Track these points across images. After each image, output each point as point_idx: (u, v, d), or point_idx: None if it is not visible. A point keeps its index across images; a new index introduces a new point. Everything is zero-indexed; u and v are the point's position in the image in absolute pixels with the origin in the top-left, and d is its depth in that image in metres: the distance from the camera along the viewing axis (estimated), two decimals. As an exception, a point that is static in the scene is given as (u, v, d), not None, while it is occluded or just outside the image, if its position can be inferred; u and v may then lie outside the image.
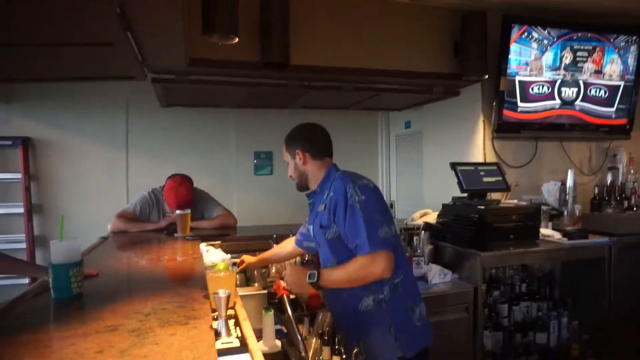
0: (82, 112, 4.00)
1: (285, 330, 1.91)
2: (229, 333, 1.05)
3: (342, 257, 1.65)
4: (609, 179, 3.19)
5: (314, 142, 1.81)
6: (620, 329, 2.62)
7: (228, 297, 1.05)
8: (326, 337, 1.57)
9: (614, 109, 3.23)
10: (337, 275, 1.62)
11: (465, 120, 3.25)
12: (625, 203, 2.96)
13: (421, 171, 3.99)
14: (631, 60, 3.19)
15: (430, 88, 3.25)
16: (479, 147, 3.09)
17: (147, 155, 4.10)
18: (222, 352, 0.97)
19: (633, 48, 3.17)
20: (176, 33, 2.05)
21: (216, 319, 1.10)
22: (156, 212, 2.88)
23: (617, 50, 3.15)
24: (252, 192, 4.40)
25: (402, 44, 2.89)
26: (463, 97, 3.30)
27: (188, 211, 2.60)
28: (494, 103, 2.98)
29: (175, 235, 2.56)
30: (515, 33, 2.88)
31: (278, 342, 1.79)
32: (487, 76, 2.91)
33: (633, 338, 2.68)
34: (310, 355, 1.68)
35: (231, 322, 1.15)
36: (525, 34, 2.90)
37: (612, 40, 3.11)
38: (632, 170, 3.20)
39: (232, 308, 1.27)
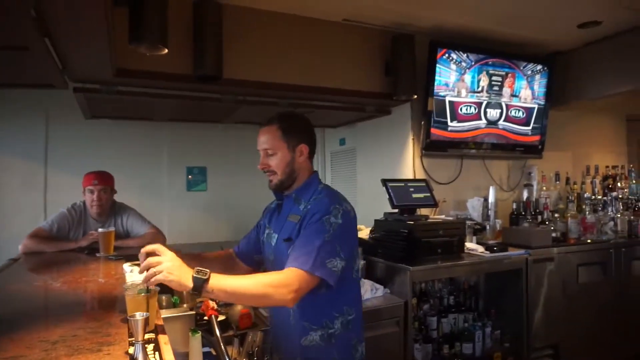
0: (-6, 122, 3.67)
1: (214, 353, 1.84)
2: (146, 359, 0.98)
3: None
4: (525, 195, 3.44)
5: (314, 139, 1.61)
6: (536, 335, 2.80)
7: (145, 320, 0.98)
8: (255, 358, 1.52)
9: (530, 128, 3.52)
10: (235, 284, 1.26)
11: (396, 138, 3.37)
12: (539, 217, 3.20)
13: (355, 187, 4.07)
14: (537, 87, 3.50)
15: (363, 106, 3.35)
16: (409, 164, 3.21)
17: (69, 170, 3.82)
18: (137, 380, 0.90)
19: (538, 77, 3.48)
20: (100, 41, 1.94)
21: (133, 344, 1.03)
22: (77, 231, 2.69)
23: (525, 77, 3.44)
24: (185, 209, 4.24)
25: (336, 63, 2.96)
26: (394, 115, 3.43)
27: (112, 229, 2.46)
28: (422, 122, 3.12)
29: (97, 255, 2.40)
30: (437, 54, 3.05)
31: (205, 365, 1.71)
32: (415, 96, 3.06)
33: (548, 344, 2.88)
34: (239, 377, 1.63)
35: (150, 346, 1.08)
36: (446, 55, 3.08)
37: (521, 67, 3.40)
38: (544, 187, 3.48)
39: (153, 332, 1.20)
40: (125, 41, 2.15)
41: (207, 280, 1.18)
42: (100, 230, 2.43)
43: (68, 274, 2.03)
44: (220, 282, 1.21)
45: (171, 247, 1.32)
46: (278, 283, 1.30)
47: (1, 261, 2.32)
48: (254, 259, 1.80)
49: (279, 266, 1.49)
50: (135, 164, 4.06)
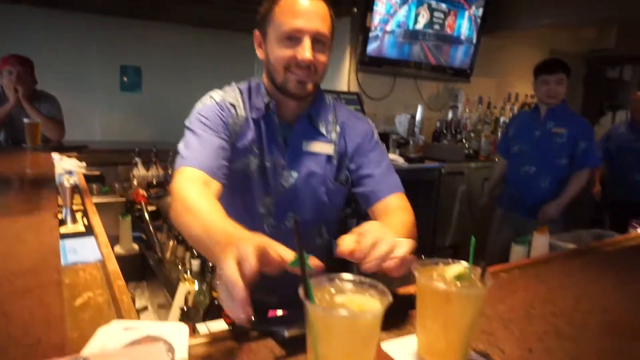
0: None
1: (144, 237, 1.99)
2: (74, 221, 1.10)
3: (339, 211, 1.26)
4: (450, 115, 3.71)
5: None
6: (441, 237, 3.21)
7: (73, 188, 1.09)
8: (181, 238, 1.69)
9: (462, 53, 3.68)
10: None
11: (334, 51, 3.42)
12: (458, 136, 3.49)
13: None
14: (474, 17, 3.59)
15: (304, 16, 3.32)
16: (345, 78, 3.31)
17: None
18: (66, 236, 1.02)
19: (478, 9, 3.56)
20: None
21: (62, 209, 1.14)
22: None
23: (468, 11, 3.50)
24: (119, 109, 4.12)
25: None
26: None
27: (38, 120, 2.42)
28: (360, 37, 3.18)
29: (24, 145, 2.38)
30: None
31: (135, 245, 1.87)
32: (355, 10, 3.08)
33: (450, 244, 3.32)
34: (167, 255, 1.81)
35: (79, 214, 1.20)
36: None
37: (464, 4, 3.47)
38: (467, 110, 3.75)
39: (82, 204, 1.31)
40: None
41: None
42: (25, 121, 2.38)
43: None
44: None
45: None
46: (412, 218, 1.08)
47: None
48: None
49: (294, 207, 1.13)
50: (61, 58, 3.82)
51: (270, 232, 1.13)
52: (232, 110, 1.08)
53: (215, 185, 0.97)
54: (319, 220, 1.18)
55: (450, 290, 0.54)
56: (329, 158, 1.13)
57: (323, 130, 1.13)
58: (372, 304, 0.51)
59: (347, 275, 0.56)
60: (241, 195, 1.12)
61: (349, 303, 0.52)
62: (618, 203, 3.36)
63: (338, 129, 1.14)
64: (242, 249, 0.61)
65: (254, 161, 1.10)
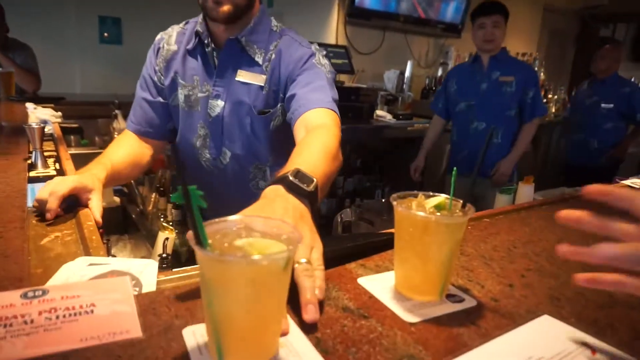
0: None
1: (126, 190, 1.96)
2: (45, 165, 1.05)
3: (282, 152, 1.07)
4: (439, 72, 3.64)
5: None
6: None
7: (42, 129, 1.03)
8: (162, 189, 1.65)
9: (453, 8, 3.57)
10: (322, 175, 0.76)
11: (322, 3, 3.29)
12: (447, 93, 3.44)
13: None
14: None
15: (290, -36, 3.18)
16: (332, 30, 3.20)
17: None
18: (36, 179, 0.98)
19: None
20: None
21: (32, 152, 1.09)
22: None
23: None
24: (98, 63, 3.98)
25: None
26: (322, -21, 3.30)
27: (11, 69, 2.32)
28: (349, -13, 3.06)
29: (-3, 96, 2.28)
30: None
31: (116, 198, 1.84)
32: (345, -42, 2.94)
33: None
34: (149, 208, 1.77)
35: (52, 160, 1.15)
36: None
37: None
38: (457, 66, 3.68)
39: (57, 154, 1.26)
40: None
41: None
42: (-2, 70, 2.28)
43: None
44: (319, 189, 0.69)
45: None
46: (334, 140, 0.90)
47: None
48: (168, 128, 1.19)
49: (226, 139, 1.11)
50: (33, 5, 3.64)
51: (208, 168, 1.17)
52: (161, 51, 1.13)
53: (146, 141, 1.15)
54: (252, 157, 1.14)
55: (429, 219, 0.52)
56: (261, 88, 1.07)
57: (259, 59, 1.07)
58: (276, 248, 0.41)
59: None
60: (181, 129, 1.16)
61: (249, 247, 0.41)
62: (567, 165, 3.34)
63: (274, 56, 1.08)
64: (70, 179, 0.82)
65: (182, 92, 1.12)
